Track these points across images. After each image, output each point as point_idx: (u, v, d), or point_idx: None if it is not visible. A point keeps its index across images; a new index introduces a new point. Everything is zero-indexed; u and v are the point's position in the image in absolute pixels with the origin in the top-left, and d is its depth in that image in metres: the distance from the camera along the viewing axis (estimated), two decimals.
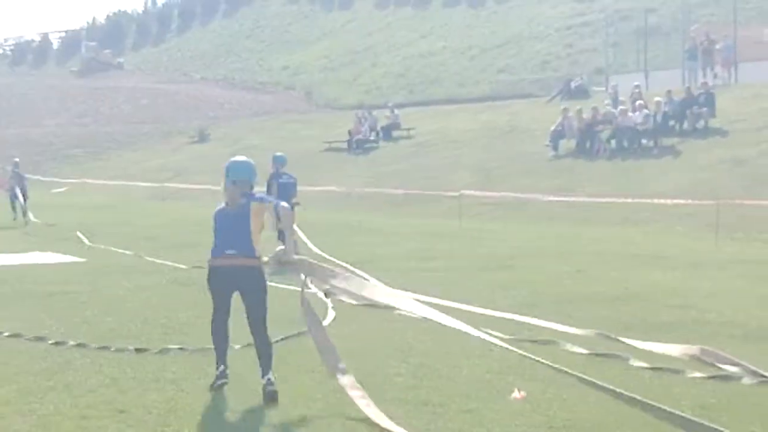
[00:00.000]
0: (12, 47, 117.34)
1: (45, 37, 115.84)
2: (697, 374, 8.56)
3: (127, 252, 19.55)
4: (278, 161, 17.69)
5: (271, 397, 7.87)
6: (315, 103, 68.89)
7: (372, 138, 43.78)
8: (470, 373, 8.87)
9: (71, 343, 10.11)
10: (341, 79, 72.74)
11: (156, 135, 61.25)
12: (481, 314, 8.95)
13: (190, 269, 16.13)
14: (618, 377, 8.36)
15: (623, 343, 8.65)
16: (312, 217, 29.06)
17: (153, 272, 16.40)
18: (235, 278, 8.15)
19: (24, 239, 23.26)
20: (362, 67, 74.00)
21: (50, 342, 10.19)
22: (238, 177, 8.35)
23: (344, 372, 8.03)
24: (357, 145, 43.09)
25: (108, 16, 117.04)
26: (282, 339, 9.70)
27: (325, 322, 11.00)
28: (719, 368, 8.61)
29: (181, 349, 9.78)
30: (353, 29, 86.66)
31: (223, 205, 8.43)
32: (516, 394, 7.88)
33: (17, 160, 31.84)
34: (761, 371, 8.38)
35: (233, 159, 8.59)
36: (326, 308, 12.07)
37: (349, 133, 43.92)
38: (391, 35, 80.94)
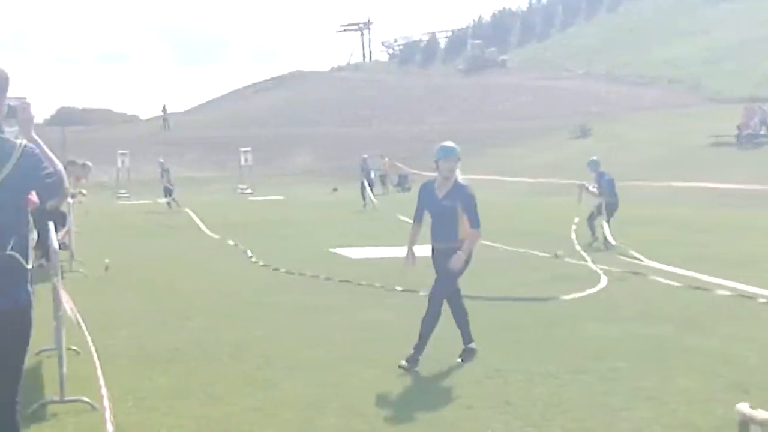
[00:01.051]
0: (401, 47, 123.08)
1: (432, 36, 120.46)
2: None
3: (506, 247, 19.62)
4: (596, 165, 20.50)
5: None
6: (699, 96, 66.97)
7: (762, 133, 41.94)
8: None
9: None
10: (727, 71, 70.30)
11: (537, 131, 61.89)
12: None
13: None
14: None
15: None
16: (693, 214, 28.39)
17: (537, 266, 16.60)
18: None
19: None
20: (752, 59, 71.01)
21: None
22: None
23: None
24: (746, 140, 41.43)
25: (493, 13, 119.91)
26: None
27: (599, 287, 13.62)
28: None
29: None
30: (740, 19, 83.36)
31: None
32: None
33: (365, 156, 38.05)
34: None
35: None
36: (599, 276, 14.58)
37: (738, 127, 42.31)
38: None
